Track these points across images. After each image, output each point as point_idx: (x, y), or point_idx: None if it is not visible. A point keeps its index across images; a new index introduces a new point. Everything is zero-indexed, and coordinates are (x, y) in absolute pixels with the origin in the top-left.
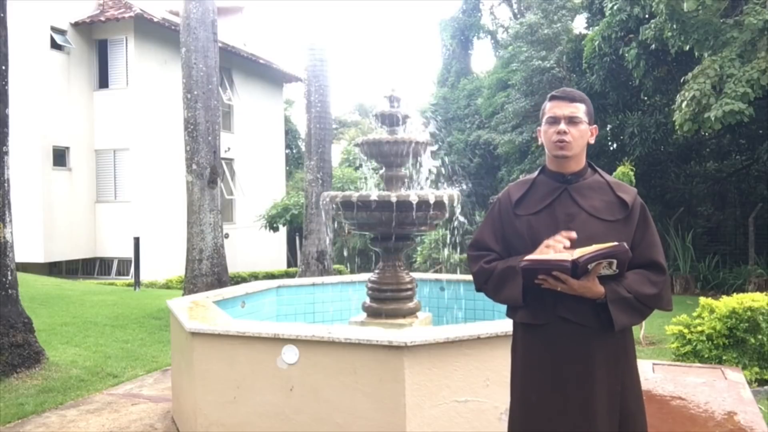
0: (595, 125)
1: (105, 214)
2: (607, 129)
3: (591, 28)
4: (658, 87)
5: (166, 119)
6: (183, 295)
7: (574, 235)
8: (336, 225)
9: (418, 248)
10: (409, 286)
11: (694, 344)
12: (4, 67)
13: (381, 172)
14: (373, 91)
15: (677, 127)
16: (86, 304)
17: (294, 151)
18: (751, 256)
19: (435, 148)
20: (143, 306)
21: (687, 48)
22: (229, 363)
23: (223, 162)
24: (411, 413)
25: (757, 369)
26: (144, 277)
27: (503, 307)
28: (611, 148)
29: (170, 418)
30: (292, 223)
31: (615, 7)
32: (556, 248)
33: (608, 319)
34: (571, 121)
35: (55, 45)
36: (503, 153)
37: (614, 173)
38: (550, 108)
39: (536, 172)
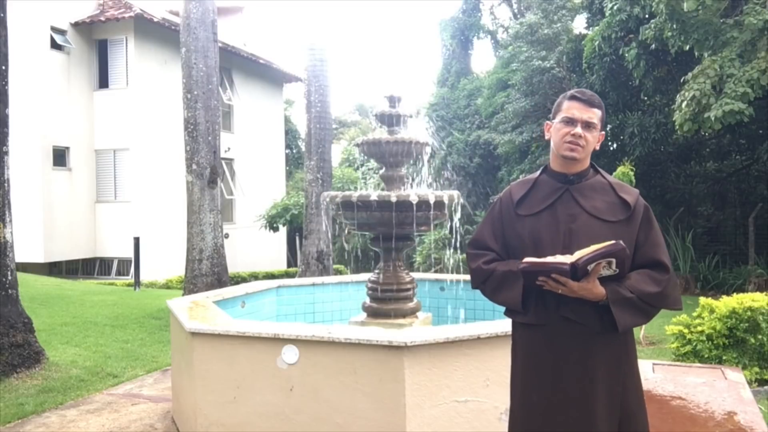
0: (603, 132)
1: (105, 214)
2: (607, 129)
3: (591, 28)
4: (658, 87)
5: (166, 119)
6: (183, 295)
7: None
8: (336, 225)
9: (418, 248)
10: (409, 286)
11: (694, 344)
12: (4, 67)
13: (381, 172)
14: (373, 91)
15: (677, 127)
16: (86, 304)
17: (294, 151)
18: (751, 256)
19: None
20: (143, 306)
21: (687, 48)
22: (229, 363)
23: (223, 162)
24: (411, 413)
25: (757, 369)
26: (144, 277)
27: (503, 307)
28: (611, 148)
29: (170, 418)
30: (292, 223)
31: (615, 7)
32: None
33: (611, 321)
34: (587, 125)
35: (55, 45)
36: (503, 153)
37: (614, 173)
38: (568, 108)
39: (538, 172)
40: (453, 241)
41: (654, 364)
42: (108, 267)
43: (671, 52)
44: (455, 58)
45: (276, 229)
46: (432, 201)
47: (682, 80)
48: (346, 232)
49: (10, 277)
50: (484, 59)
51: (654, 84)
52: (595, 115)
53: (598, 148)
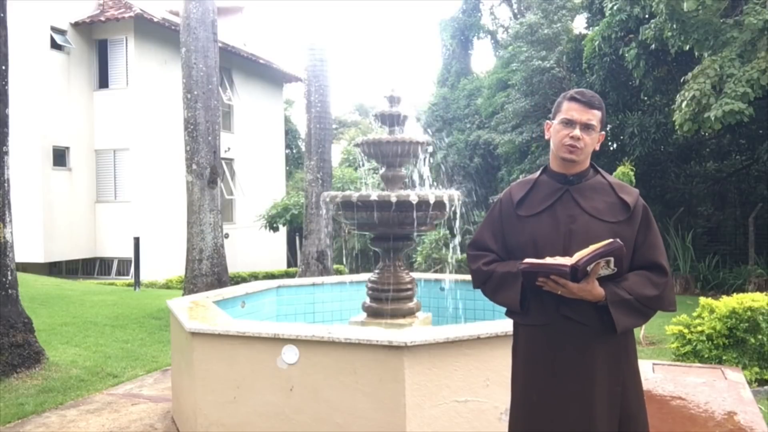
0: (602, 132)
1: (105, 214)
2: (608, 129)
3: (591, 28)
4: (658, 87)
5: (166, 119)
6: (183, 295)
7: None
8: (336, 225)
9: (418, 248)
10: (409, 286)
11: (694, 344)
12: (4, 67)
13: (381, 171)
14: (373, 91)
15: (677, 127)
16: (86, 304)
17: (294, 151)
18: (751, 256)
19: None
20: (143, 306)
21: (687, 48)
22: (229, 363)
23: (223, 162)
24: (411, 413)
25: (757, 369)
26: (144, 277)
27: (503, 308)
28: (611, 148)
29: (170, 418)
30: (292, 223)
31: (615, 7)
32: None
33: (610, 321)
34: (586, 127)
35: (55, 45)
36: (503, 153)
37: (614, 173)
38: (567, 109)
39: (538, 172)
40: (453, 240)
41: (654, 364)
42: (108, 267)
43: (671, 52)
44: (455, 58)
45: (276, 229)
46: (432, 201)
47: (682, 80)
48: (347, 232)
49: (10, 277)
50: (484, 59)
51: (654, 84)
52: (594, 116)
53: (598, 148)
